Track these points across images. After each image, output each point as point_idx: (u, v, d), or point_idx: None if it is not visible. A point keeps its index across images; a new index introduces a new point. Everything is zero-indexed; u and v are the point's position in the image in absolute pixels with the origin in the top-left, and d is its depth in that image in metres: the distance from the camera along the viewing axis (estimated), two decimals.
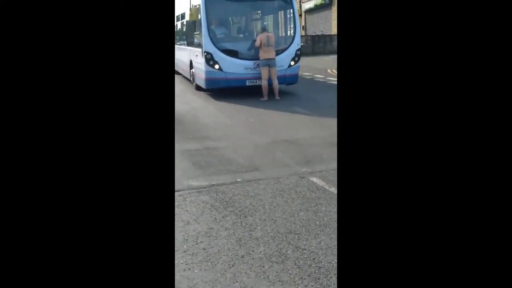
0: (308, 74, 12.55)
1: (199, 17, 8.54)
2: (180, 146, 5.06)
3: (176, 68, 13.51)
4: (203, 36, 8.32)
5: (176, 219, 3.05)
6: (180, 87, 10.89)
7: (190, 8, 8.48)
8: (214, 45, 8.34)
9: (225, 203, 3.33)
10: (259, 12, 9.28)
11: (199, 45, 8.91)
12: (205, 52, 8.35)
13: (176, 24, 13.49)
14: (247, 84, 8.54)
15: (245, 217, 3.07)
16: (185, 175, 4.03)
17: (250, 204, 3.31)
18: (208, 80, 8.55)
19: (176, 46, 13.07)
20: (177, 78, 12.99)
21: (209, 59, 8.34)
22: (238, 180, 3.88)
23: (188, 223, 3.00)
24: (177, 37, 12.84)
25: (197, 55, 9.13)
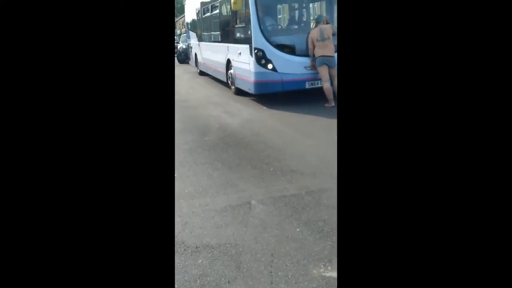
0: None
1: (245, 6, 6.89)
2: (267, 188, 3.43)
3: (202, 69, 11.91)
4: (253, 30, 6.67)
5: None
6: (215, 92, 9.27)
7: None
8: (267, 40, 6.68)
9: None
10: None
11: (243, 41, 7.27)
12: (255, 49, 6.70)
13: (197, 19, 11.85)
14: (307, 86, 6.89)
15: None
16: (306, 253, 2.40)
17: None
18: (258, 84, 6.90)
19: (201, 43, 11.46)
20: (204, 80, 11.41)
21: (261, 58, 6.69)
22: None
23: None
24: (203, 33, 11.20)
25: (240, 53, 7.50)
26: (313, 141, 4.77)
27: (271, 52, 6.69)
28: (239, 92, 8.08)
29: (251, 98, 7.78)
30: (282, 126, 5.66)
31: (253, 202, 3.19)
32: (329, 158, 4.07)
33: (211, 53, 10.16)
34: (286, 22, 8.10)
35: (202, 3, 10.86)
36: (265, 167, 3.96)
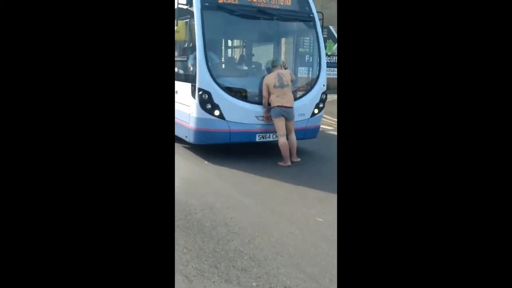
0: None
1: (190, 36, 5.66)
2: None
3: None
4: (199, 66, 5.41)
5: None
6: None
7: (176, 21, 5.54)
8: (214, 80, 5.48)
9: None
10: (271, 35, 6.54)
11: (183, 78, 6.00)
12: (199, 90, 5.46)
13: None
14: (257, 139, 5.80)
15: None
16: None
17: None
18: (199, 132, 5.62)
19: None
20: None
21: (206, 101, 5.45)
22: None
23: None
24: None
25: (176, 92, 6.19)
26: (296, 228, 3.61)
27: (219, 95, 5.50)
28: None
29: (184, 145, 6.45)
30: (238, 195, 4.43)
31: None
32: (330, 263, 2.94)
33: None
34: (235, 61, 7.01)
35: None
36: (242, 279, 2.69)
